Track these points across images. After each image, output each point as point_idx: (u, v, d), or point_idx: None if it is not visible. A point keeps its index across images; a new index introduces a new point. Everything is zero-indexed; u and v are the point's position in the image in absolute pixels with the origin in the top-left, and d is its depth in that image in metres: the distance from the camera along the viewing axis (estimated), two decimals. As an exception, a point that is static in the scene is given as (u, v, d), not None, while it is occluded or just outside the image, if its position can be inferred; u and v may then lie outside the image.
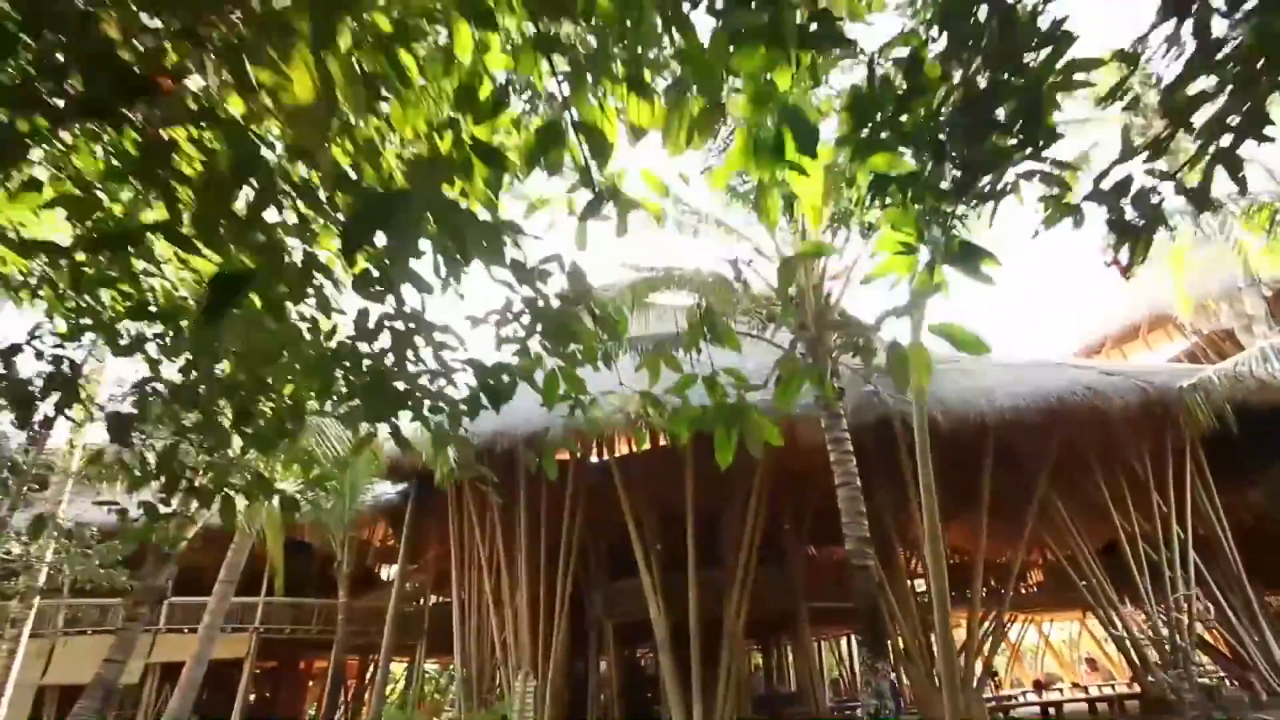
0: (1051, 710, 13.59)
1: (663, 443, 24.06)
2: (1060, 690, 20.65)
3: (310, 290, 1.89)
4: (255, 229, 1.54)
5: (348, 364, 1.90)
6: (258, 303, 1.63)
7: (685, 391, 2.00)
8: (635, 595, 17.52)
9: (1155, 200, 1.63)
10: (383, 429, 2.31)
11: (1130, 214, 1.67)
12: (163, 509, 2.24)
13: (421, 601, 22.78)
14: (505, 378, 2.00)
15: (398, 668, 27.76)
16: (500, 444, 11.75)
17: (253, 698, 21.59)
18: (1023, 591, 17.29)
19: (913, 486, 11.42)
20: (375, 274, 1.87)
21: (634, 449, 19.21)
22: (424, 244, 1.99)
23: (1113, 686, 23.02)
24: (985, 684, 14.56)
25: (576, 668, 21.24)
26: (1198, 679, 7.21)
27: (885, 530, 13.39)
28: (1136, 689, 18.01)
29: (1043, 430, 11.11)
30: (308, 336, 1.98)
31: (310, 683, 26.20)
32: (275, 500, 2.30)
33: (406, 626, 21.71)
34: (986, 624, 12.73)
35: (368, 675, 28.09)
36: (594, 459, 21.31)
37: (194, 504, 2.27)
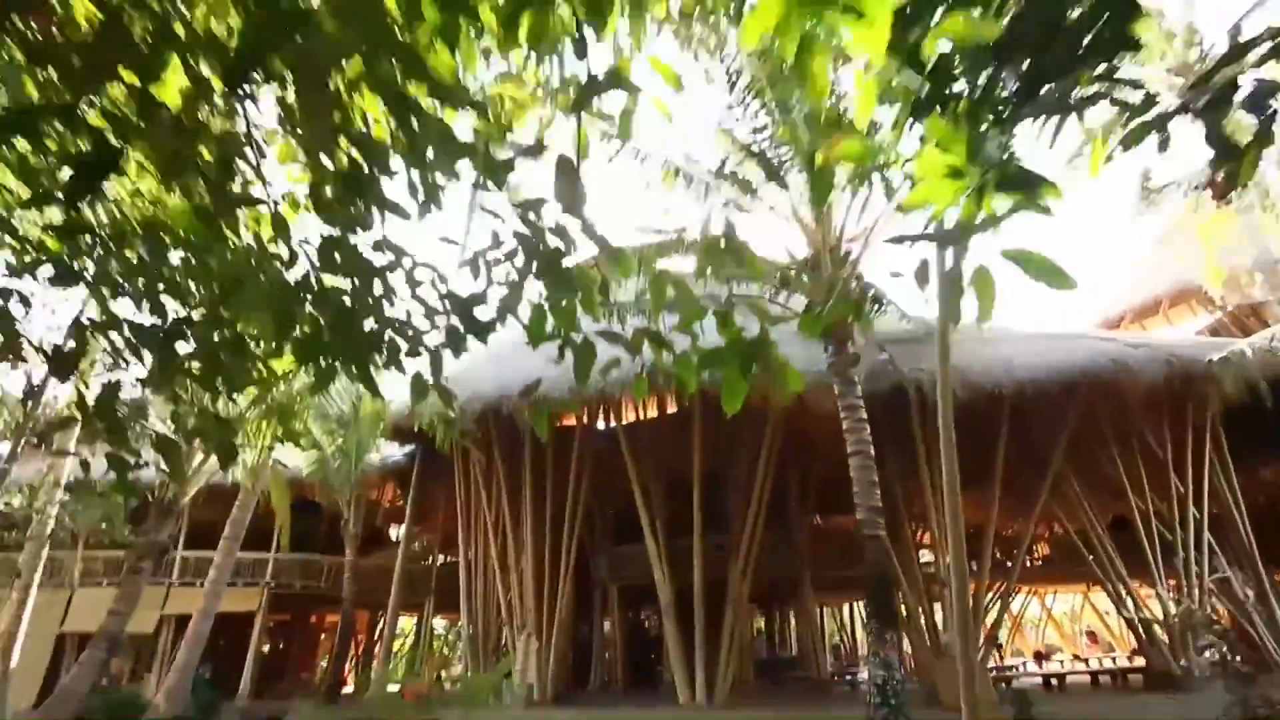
0: (1054, 681, 13.58)
1: (670, 410, 24.04)
2: (1060, 662, 20.79)
3: (265, 213, 1.65)
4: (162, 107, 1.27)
5: (309, 299, 1.67)
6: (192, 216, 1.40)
7: (695, 326, 1.75)
8: (640, 560, 17.63)
9: (1275, 102, 1.34)
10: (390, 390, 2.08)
11: (1233, 126, 1.39)
12: (130, 459, 2.06)
13: (430, 561, 23.09)
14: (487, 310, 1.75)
15: (408, 623, 28.43)
16: (505, 406, 11.60)
17: (266, 649, 22.19)
18: (1028, 564, 17.17)
19: (924, 457, 11.24)
20: (334, 193, 1.62)
21: (640, 414, 19.13)
22: (396, 164, 1.75)
23: (1113, 659, 23.20)
24: (989, 655, 14.64)
25: (581, 629, 21.58)
26: (1225, 656, 7.08)
27: (893, 500, 13.25)
28: (1138, 662, 18.11)
29: (1062, 403, 10.83)
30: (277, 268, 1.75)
31: (322, 636, 26.83)
32: (243, 458, 2.09)
33: (414, 585, 22.09)
34: (992, 595, 12.67)
35: (378, 629, 28.89)
36: (600, 425, 21.31)
37: (155, 454, 2.07)
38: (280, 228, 1.68)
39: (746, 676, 15.16)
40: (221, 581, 10.39)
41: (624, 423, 14.71)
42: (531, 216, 1.80)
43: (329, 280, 1.74)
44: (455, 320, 1.87)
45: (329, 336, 1.69)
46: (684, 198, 8.49)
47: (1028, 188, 1.50)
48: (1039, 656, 19.38)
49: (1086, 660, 22.16)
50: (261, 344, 1.94)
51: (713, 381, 1.80)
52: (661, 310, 1.79)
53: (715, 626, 14.96)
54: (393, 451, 18.95)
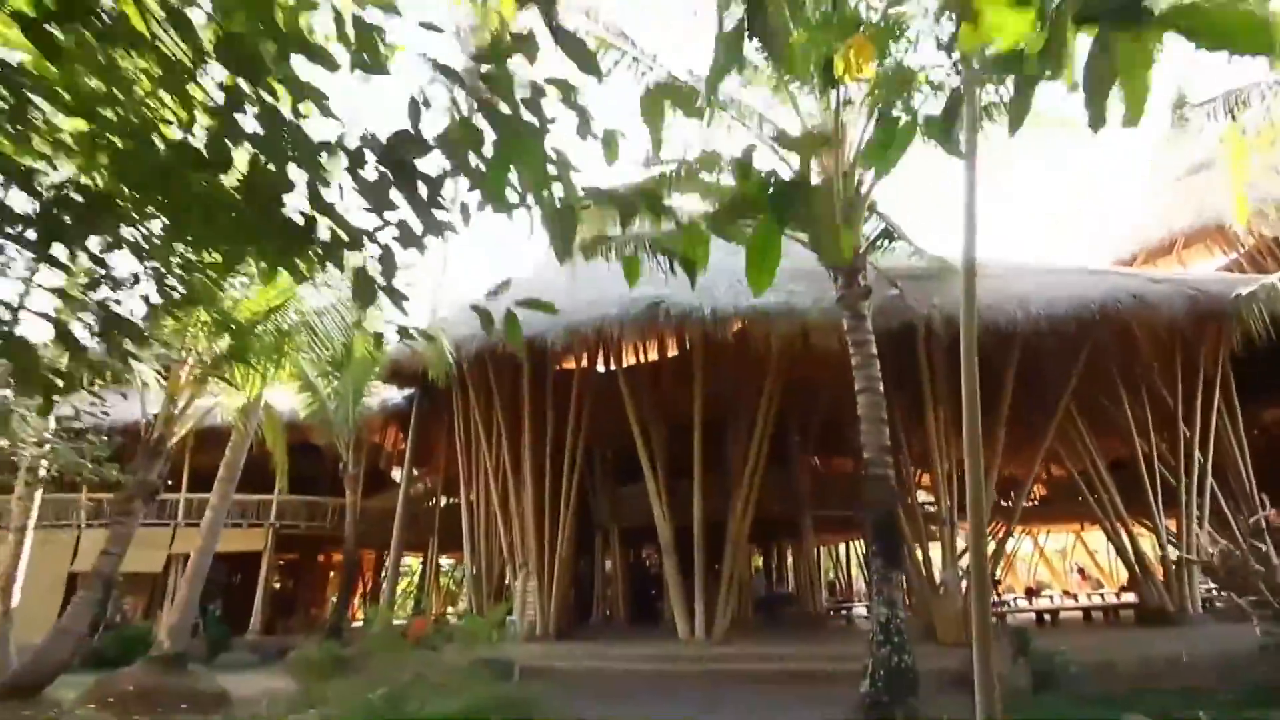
0: (1046, 616, 13.81)
1: (671, 353, 23.81)
2: (1050, 597, 21.28)
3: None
4: None
5: (215, 170, 1.32)
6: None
7: (707, 175, 1.39)
8: (640, 500, 17.74)
9: None
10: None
11: None
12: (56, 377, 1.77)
13: (433, 502, 23.36)
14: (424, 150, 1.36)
15: (415, 562, 29.09)
16: (501, 341, 11.26)
17: (277, 587, 22.77)
18: (1025, 504, 17.25)
19: (929, 397, 11.02)
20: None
21: (641, 355, 18.89)
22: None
23: (1101, 595, 23.77)
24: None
25: (582, 568, 22.03)
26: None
27: (895, 441, 13.14)
28: (1129, 598, 18.49)
29: (1076, 341, 10.49)
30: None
31: (331, 574, 27.52)
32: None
33: (418, 525, 22.45)
34: (993, 535, 12.71)
35: (384, 568, 29.66)
36: (600, 368, 21.11)
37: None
38: (171, 79, 1.31)
39: (745, 613, 15.48)
40: (219, 521, 10.37)
41: (624, 365, 14.41)
42: (489, 69, 1.41)
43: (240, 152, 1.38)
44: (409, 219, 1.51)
45: (241, 218, 1.34)
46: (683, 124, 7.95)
47: (1121, 13, 1.11)
48: (1030, 592, 19.80)
49: (1076, 596, 22.77)
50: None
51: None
52: (660, 141, 1.42)
53: (715, 565, 15.16)
54: (393, 395, 18.84)
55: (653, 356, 22.14)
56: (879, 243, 8.71)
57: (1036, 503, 19.24)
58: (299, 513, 19.48)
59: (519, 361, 13.14)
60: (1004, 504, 15.16)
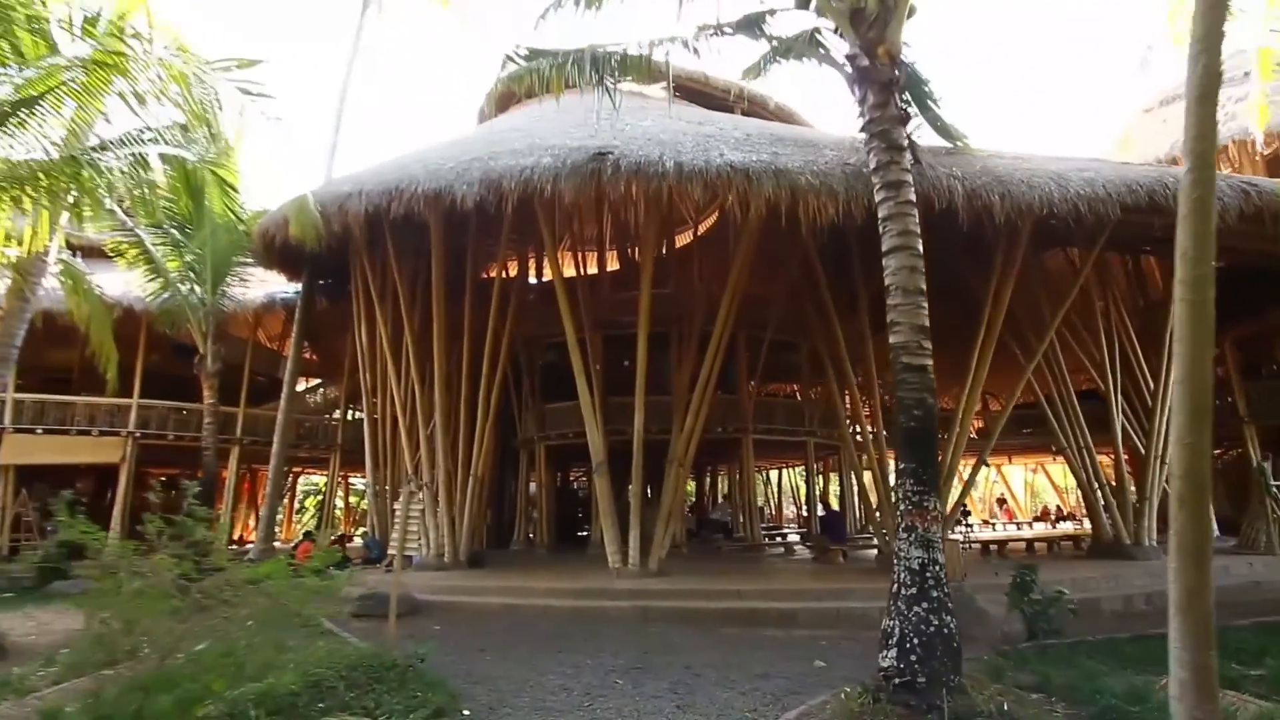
0: (993, 547, 13.22)
1: (612, 266, 21.61)
2: (970, 527, 21.49)
3: None
4: None
5: None
6: None
7: None
8: (570, 417, 15.93)
9: None
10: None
11: None
12: None
13: (339, 415, 20.82)
14: None
15: (321, 480, 26.61)
16: (397, 204, 8.59)
17: (153, 503, 19.89)
18: (973, 434, 16.61)
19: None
20: None
21: (580, 226, 16.67)
22: None
23: (1017, 525, 24.43)
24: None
25: (506, 488, 20.32)
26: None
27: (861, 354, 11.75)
28: (1068, 529, 18.70)
29: (1094, 237, 9.03)
30: None
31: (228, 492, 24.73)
32: None
33: (315, 437, 19.96)
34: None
35: (289, 486, 27.06)
36: (533, 278, 18.70)
37: None
38: None
39: (679, 541, 14.22)
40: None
41: (559, 248, 12.05)
42: None
43: None
44: None
45: None
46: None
47: None
48: (956, 523, 19.72)
49: (1019, 526, 23.21)
50: None
51: None
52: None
53: (653, 489, 13.69)
54: (281, 286, 15.86)
55: (601, 262, 19.93)
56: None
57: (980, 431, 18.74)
58: (166, 421, 16.50)
59: (426, 231, 10.63)
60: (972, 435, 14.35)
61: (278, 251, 11.29)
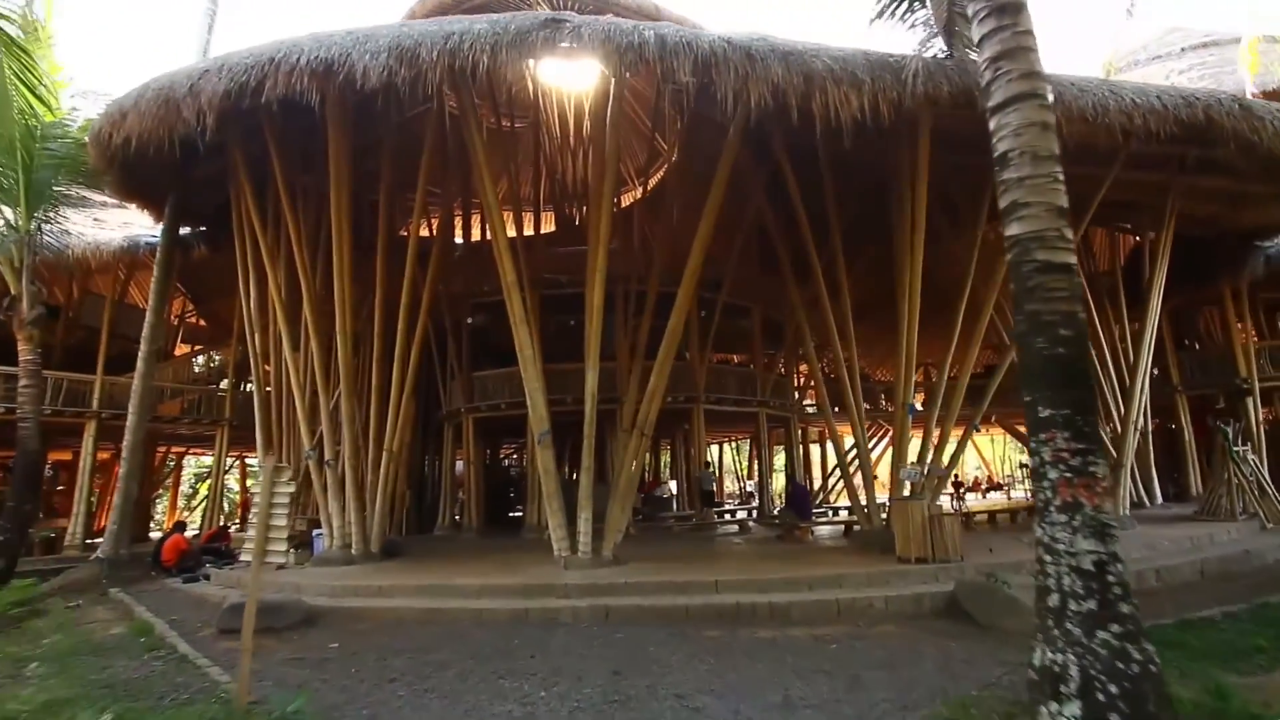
0: (962, 519, 12.53)
1: (549, 228, 19.63)
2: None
3: None
4: None
5: None
6: None
7: None
8: (503, 387, 14.12)
9: None
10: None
11: None
12: None
13: (224, 384, 17.97)
14: None
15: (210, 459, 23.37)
16: (273, 82, 6.26)
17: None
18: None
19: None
20: None
21: (518, 228, 14.78)
22: None
23: (983, 495, 24.66)
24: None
25: (428, 466, 18.23)
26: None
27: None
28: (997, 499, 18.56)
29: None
30: None
31: (96, 474, 21.16)
32: None
33: (199, 411, 17.14)
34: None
35: (169, 465, 23.66)
36: (460, 238, 16.54)
37: None
38: None
39: (627, 518, 12.81)
40: None
41: (511, 236, 10.07)
42: None
43: None
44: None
45: None
46: None
47: None
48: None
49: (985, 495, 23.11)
50: None
51: None
52: None
53: (599, 465, 12.18)
54: (152, 229, 13.01)
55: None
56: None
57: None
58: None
59: (319, 138, 8.46)
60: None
61: (124, 170, 8.72)
